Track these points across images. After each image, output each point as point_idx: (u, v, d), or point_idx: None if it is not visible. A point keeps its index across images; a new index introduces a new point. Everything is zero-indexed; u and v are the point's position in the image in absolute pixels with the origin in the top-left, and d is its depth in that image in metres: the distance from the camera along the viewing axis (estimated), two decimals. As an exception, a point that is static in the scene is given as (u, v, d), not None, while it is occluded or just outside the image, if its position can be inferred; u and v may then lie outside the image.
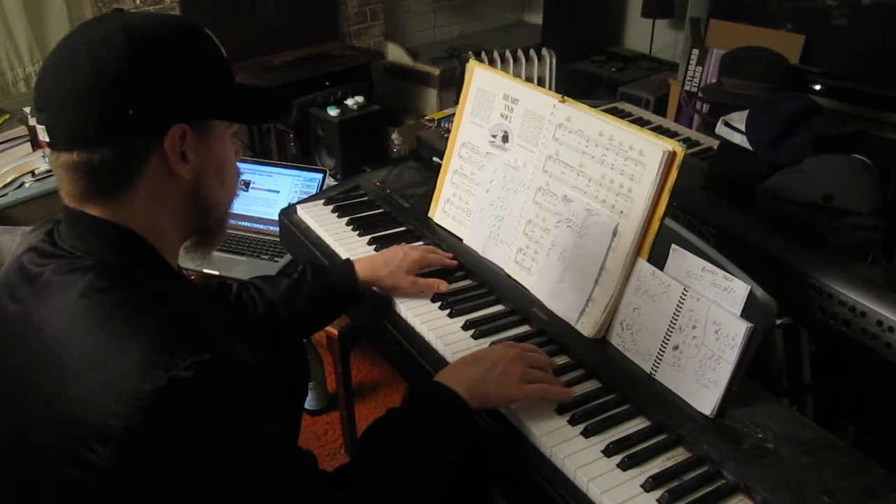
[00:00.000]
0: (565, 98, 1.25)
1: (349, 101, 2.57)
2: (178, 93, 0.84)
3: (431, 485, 0.95)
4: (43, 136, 0.84)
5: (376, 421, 0.99)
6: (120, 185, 0.84)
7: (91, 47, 0.82)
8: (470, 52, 3.74)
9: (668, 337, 1.08)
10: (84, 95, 0.80)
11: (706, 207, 1.40)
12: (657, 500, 0.90)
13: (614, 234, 1.15)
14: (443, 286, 1.30)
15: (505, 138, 1.35)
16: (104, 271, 0.82)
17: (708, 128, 2.04)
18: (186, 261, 1.00)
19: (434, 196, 1.50)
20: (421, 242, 1.44)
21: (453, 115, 1.54)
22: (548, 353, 1.14)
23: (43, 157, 2.50)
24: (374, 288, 1.32)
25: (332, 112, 2.51)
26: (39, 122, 0.84)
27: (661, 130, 1.87)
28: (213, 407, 0.76)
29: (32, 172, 2.48)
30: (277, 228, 1.77)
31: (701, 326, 1.04)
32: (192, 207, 0.90)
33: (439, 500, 0.97)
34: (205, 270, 2.01)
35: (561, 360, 1.14)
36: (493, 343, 1.17)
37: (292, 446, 0.91)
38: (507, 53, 3.95)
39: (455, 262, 1.38)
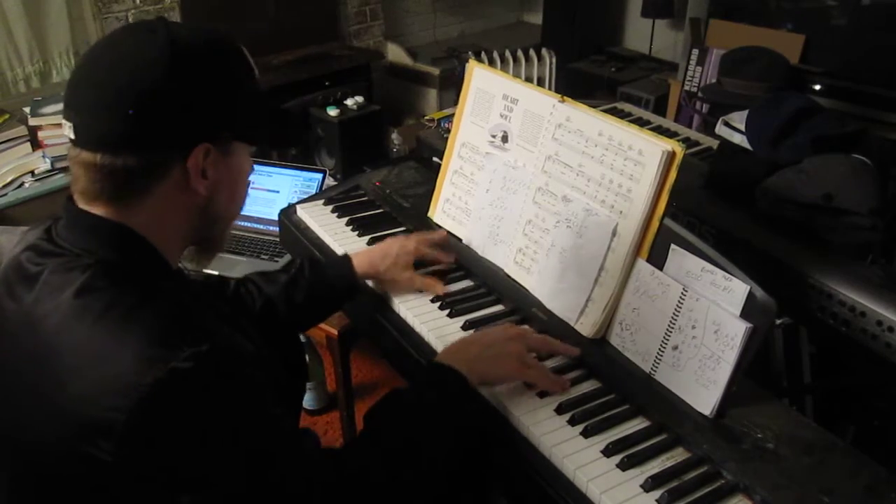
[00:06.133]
0: (565, 98, 1.25)
1: (349, 101, 2.57)
2: (210, 113, 0.85)
3: (438, 461, 0.96)
4: (68, 133, 0.84)
5: (380, 399, 1.00)
6: (136, 192, 0.85)
7: (132, 55, 0.82)
8: (470, 52, 3.74)
9: (667, 337, 1.08)
10: (117, 102, 0.81)
11: (706, 207, 1.40)
12: (657, 500, 0.90)
13: (614, 234, 1.15)
14: (440, 289, 1.29)
15: (504, 138, 1.35)
16: (103, 269, 0.82)
17: (708, 128, 2.04)
18: (186, 261, 1.00)
19: (434, 196, 1.50)
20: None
21: (453, 115, 1.53)
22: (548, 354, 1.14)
23: (43, 157, 2.50)
24: (370, 283, 1.32)
25: (332, 112, 2.51)
26: (66, 119, 0.84)
27: (661, 130, 1.87)
28: (214, 396, 0.77)
29: (32, 172, 2.48)
30: (277, 228, 1.77)
31: (700, 326, 1.04)
32: (200, 218, 0.92)
33: (439, 499, 0.97)
34: (204, 270, 2.00)
35: (561, 360, 1.14)
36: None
37: (295, 430, 0.91)
38: (507, 53, 3.94)
39: (451, 261, 1.36)
